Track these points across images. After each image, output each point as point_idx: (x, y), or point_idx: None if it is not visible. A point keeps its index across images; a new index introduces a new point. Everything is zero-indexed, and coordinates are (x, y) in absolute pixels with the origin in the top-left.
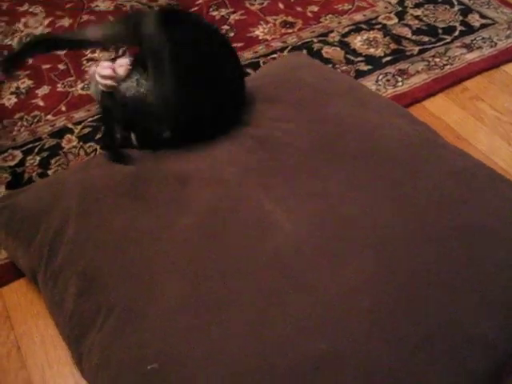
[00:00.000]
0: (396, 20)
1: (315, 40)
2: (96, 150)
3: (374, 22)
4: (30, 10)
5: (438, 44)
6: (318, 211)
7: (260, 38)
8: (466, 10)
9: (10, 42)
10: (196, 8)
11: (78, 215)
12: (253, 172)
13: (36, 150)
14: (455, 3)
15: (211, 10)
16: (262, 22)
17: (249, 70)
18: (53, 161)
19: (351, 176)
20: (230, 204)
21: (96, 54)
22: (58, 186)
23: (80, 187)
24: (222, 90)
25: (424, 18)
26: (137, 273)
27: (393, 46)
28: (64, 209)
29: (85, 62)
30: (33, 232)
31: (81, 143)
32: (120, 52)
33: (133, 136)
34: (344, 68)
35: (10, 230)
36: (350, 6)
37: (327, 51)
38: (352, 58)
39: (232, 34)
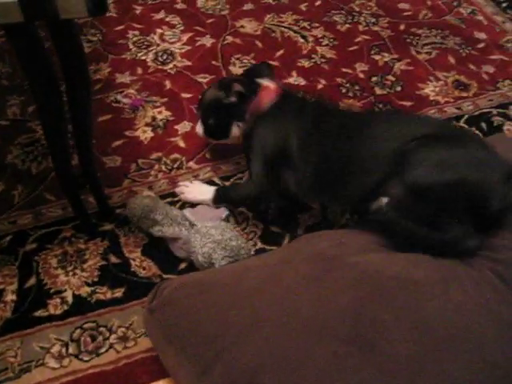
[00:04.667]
0: None
1: (494, 112)
2: (248, 218)
3: None
4: (167, 19)
5: None
6: None
7: (431, 98)
8: None
9: (143, 57)
10: (355, 47)
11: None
12: None
13: (177, 206)
14: None
15: (372, 52)
16: (431, 78)
17: None
18: None
19: None
20: None
21: None
22: (244, 301)
23: (279, 312)
24: None
25: None
26: None
27: None
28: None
29: None
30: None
31: (230, 206)
32: None
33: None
34: None
35: (175, 340)
36: None
37: (509, 128)
38: None
39: (399, 89)
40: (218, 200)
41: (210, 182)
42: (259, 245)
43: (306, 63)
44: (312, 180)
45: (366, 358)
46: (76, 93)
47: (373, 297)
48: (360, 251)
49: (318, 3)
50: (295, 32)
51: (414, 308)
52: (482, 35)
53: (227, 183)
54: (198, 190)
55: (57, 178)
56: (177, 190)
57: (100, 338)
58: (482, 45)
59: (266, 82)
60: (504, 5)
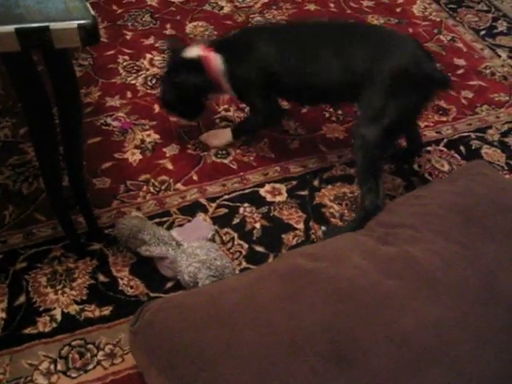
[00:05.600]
0: None
1: (473, 136)
2: (234, 238)
3: None
4: (157, 44)
5: None
6: None
7: None
8: None
9: (133, 81)
10: None
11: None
12: None
13: (164, 226)
14: None
15: None
16: None
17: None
18: None
19: None
20: None
21: (230, 113)
22: (222, 321)
23: (256, 331)
24: None
25: None
26: None
27: None
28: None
29: (218, 121)
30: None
31: (216, 226)
32: None
33: None
34: (507, 177)
35: (157, 361)
36: (507, 98)
37: (487, 152)
38: None
39: None
40: (237, 136)
41: (196, 204)
42: (244, 264)
43: None
44: (294, 84)
45: (344, 372)
46: (67, 116)
47: (348, 312)
48: (335, 263)
49: None
50: None
51: (389, 323)
52: (462, 62)
53: (213, 204)
54: (219, 136)
55: (47, 198)
56: (202, 138)
57: (88, 355)
58: (461, 71)
59: (196, 50)
60: (483, 32)
